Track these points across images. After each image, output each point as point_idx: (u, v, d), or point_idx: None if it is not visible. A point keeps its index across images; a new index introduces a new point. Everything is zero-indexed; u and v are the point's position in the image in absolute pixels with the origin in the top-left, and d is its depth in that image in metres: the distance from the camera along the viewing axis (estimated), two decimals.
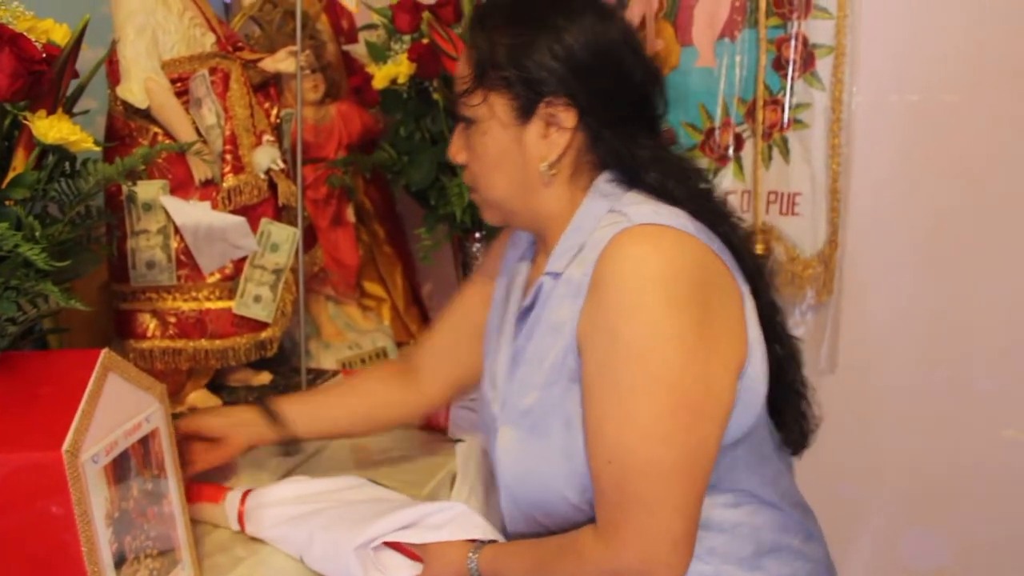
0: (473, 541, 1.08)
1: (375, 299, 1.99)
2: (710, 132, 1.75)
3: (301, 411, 1.24)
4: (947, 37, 1.71)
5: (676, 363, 0.89)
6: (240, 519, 1.18)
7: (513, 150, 1.00)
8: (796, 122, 1.75)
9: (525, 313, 1.06)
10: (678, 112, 1.73)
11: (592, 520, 0.96)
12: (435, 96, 1.60)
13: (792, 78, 1.72)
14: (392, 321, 1.98)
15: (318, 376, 1.51)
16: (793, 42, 1.71)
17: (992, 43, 1.69)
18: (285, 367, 1.55)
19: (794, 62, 1.71)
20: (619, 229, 0.92)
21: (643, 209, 0.95)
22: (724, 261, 0.96)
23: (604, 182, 1.01)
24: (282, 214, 1.45)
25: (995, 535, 1.96)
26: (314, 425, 1.26)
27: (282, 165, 1.42)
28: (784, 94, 1.73)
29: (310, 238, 1.62)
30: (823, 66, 1.72)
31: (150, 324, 1.38)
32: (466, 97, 1.00)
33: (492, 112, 0.99)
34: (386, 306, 1.99)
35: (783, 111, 1.74)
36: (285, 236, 1.42)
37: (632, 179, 1.00)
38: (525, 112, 0.98)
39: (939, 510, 1.95)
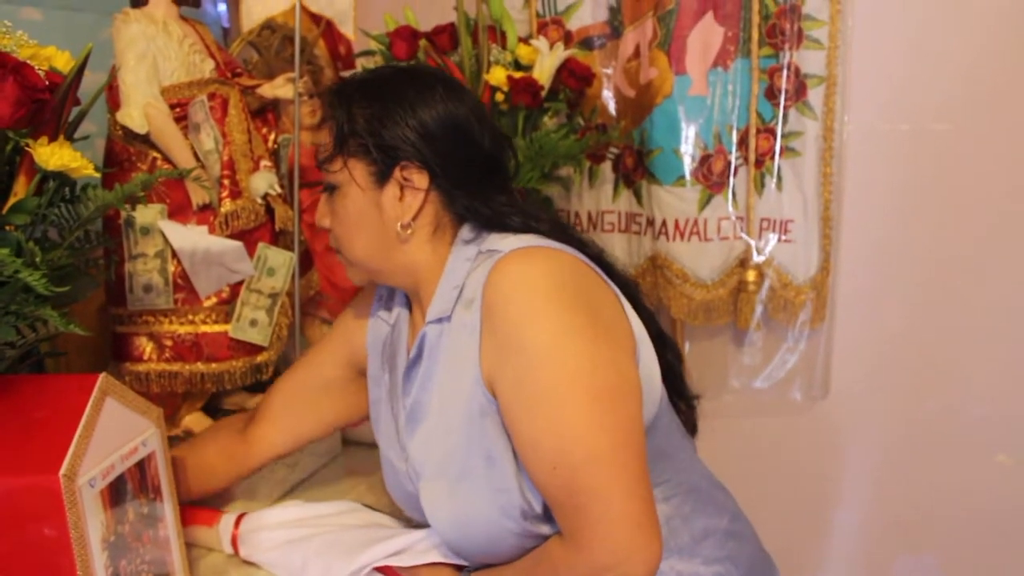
0: (461, 567, 1.10)
1: None
2: (704, 159, 1.77)
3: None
4: (937, 67, 1.74)
5: (585, 355, 0.93)
6: (234, 543, 1.19)
7: (371, 212, 1.07)
8: (788, 150, 1.78)
9: (412, 367, 1.10)
10: (671, 139, 1.75)
11: (541, 540, 1.01)
12: None
13: (784, 107, 1.74)
14: None
15: None
16: (785, 72, 1.73)
17: (981, 74, 1.72)
18: None
19: (786, 91, 1.74)
20: (493, 262, 0.98)
21: (508, 241, 1.02)
22: (593, 267, 1.03)
23: (466, 231, 1.08)
24: (279, 238, 1.46)
25: (987, 560, 1.97)
26: None
27: (279, 190, 1.44)
28: (777, 123, 1.76)
29: (306, 262, 1.63)
30: (815, 95, 1.75)
31: (147, 347, 1.38)
32: (328, 164, 1.08)
33: (351, 177, 1.06)
34: None
35: (775, 139, 1.77)
36: (282, 260, 1.43)
37: (491, 224, 1.07)
38: (382, 176, 1.05)
39: (931, 536, 1.96)
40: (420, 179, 1.04)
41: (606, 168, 1.88)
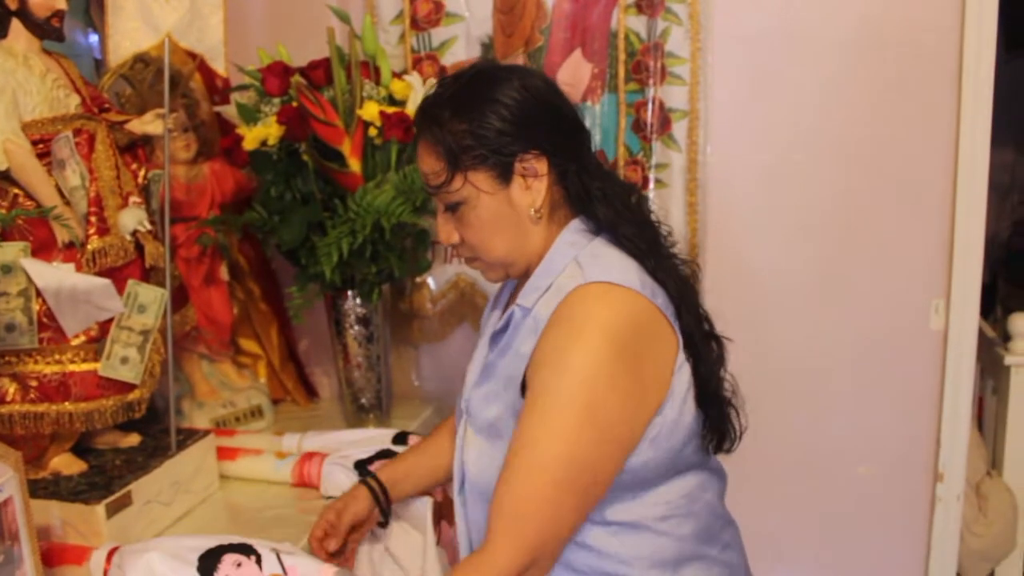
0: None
1: (251, 356, 1.98)
2: None
3: (390, 480, 1.35)
4: (791, 102, 1.84)
5: (608, 406, 1.03)
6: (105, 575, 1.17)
7: (505, 210, 1.13)
8: (657, 182, 1.85)
9: (499, 334, 1.17)
10: None
11: None
12: (304, 157, 1.63)
13: (651, 139, 1.82)
14: (268, 378, 1.98)
15: (188, 436, 1.49)
16: (650, 106, 1.81)
17: (830, 104, 1.83)
18: (155, 427, 1.53)
19: (651, 124, 1.82)
20: (576, 284, 1.07)
21: (599, 265, 1.09)
22: (663, 312, 1.09)
23: (574, 230, 1.15)
24: (150, 275, 1.44)
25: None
26: (400, 489, 1.37)
27: (149, 227, 1.42)
28: (644, 155, 1.83)
29: (181, 297, 1.62)
30: (679, 128, 1.84)
31: (9, 388, 1.35)
32: (447, 186, 1.12)
33: (477, 188, 1.11)
34: (262, 363, 1.99)
35: (643, 170, 1.84)
36: (153, 297, 1.41)
37: (595, 228, 1.15)
38: (505, 176, 1.11)
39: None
40: (539, 164, 1.11)
41: None
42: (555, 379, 1.03)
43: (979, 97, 1.83)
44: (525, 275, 1.18)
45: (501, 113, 1.09)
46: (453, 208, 1.13)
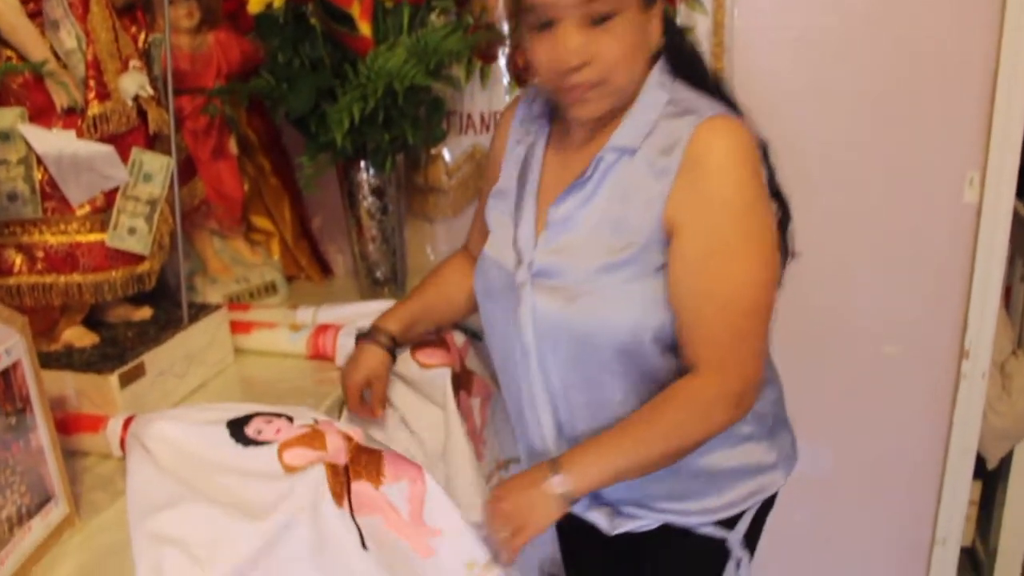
0: (546, 464, 1.13)
1: (263, 233, 1.95)
2: None
3: (403, 327, 1.39)
4: None
5: (766, 228, 1.10)
6: (123, 444, 1.15)
7: (640, 37, 1.11)
8: None
9: (583, 183, 1.15)
10: None
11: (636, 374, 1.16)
12: (312, 21, 1.55)
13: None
14: (282, 255, 1.95)
15: (201, 309, 1.47)
16: None
17: None
18: (167, 301, 1.51)
19: None
20: (698, 121, 1.09)
21: (704, 102, 1.12)
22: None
23: (658, 72, 1.15)
24: (154, 143, 1.39)
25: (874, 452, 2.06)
26: (412, 334, 1.42)
27: (151, 91, 1.36)
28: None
29: (189, 170, 1.57)
30: None
31: (16, 259, 1.32)
32: None
33: (629, 2, 1.08)
34: (275, 240, 1.95)
35: None
36: (159, 166, 1.37)
37: (678, 69, 1.17)
38: (650, 1, 1.11)
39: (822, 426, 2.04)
40: (660, 5, 1.12)
41: (498, 68, 1.84)
42: (720, 216, 1.08)
43: None
44: (601, 120, 1.16)
45: None
46: (602, 19, 1.07)
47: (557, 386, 1.21)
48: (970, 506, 2.28)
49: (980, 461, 2.22)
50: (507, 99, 1.83)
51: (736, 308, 1.09)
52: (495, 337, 1.30)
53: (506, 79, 1.84)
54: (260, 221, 1.93)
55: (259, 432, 1.08)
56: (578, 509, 1.26)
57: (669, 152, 1.09)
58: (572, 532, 1.37)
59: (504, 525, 1.10)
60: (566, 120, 1.22)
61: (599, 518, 1.30)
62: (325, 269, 2.02)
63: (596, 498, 1.29)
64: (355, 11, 1.54)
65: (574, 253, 1.15)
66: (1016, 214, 1.92)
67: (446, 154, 1.91)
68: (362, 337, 1.39)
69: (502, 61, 1.83)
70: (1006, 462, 2.37)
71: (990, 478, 2.43)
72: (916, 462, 2.08)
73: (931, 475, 2.10)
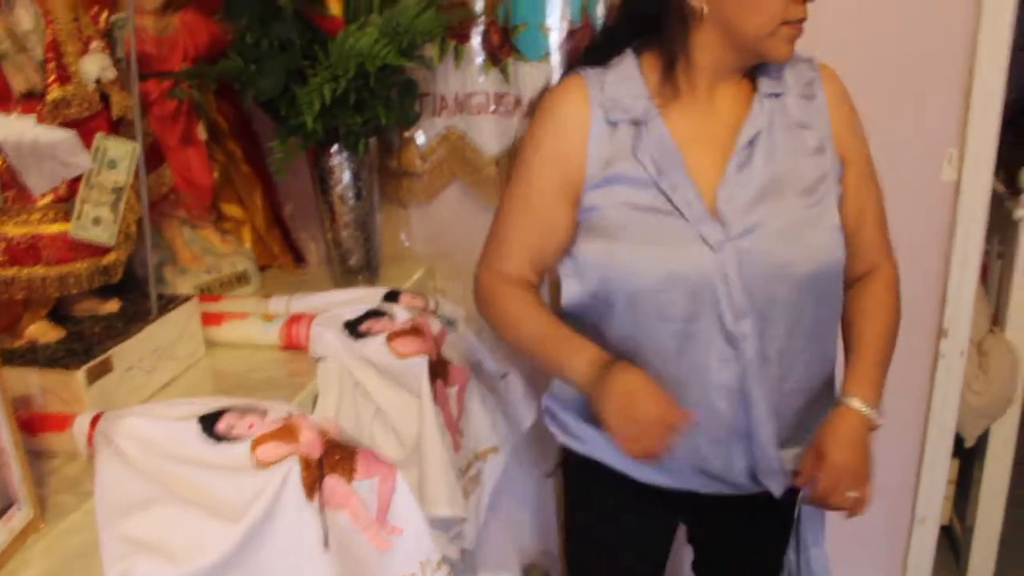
0: (845, 408, 1.29)
1: (234, 221, 1.90)
2: (571, 34, 1.71)
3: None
4: None
5: None
6: (90, 442, 1.12)
7: None
8: None
9: (756, 138, 1.23)
10: (536, 14, 1.69)
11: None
12: (281, 1, 1.50)
13: None
14: (254, 244, 1.90)
15: (170, 301, 1.42)
16: None
17: None
18: (135, 293, 1.46)
19: None
20: (815, 64, 1.31)
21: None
22: None
23: None
24: (119, 129, 1.34)
25: None
26: None
27: (114, 75, 1.32)
28: None
29: (155, 157, 1.52)
30: None
31: None
32: None
33: None
34: (246, 228, 1.90)
35: None
36: (123, 152, 1.32)
37: None
38: None
39: None
40: None
41: (472, 47, 1.80)
42: (864, 143, 1.33)
43: None
44: (741, 71, 1.26)
45: None
46: None
47: (755, 357, 1.21)
48: (948, 485, 2.29)
49: (958, 440, 2.23)
50: (481, 80, 1.78)
51: (882, 210, 1.35)
52: (670, 357, 1.23)
53: (480, 59, 1.80)
54: (231, 209, 1.88)
55: (231, 428, 1.05)
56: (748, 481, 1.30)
57: (810, 94, 1.27)
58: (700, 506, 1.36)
59: (853, 481, 1.26)
60: (692, 85, 1.24)
61: (772, 480, 1.29)
62: (298, 257, 1.98)
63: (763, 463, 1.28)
64: None
65: (776, 195, 1.22)
66: (993, 191, 1.92)
67: (419, 137, 1.86)
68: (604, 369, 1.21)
69: (476, 41, 1.79)
70: (983, 440, 2.38)
71: (967, 456, 2.45)
72: (895, 441, 2.08)
73: (910, 454, 2.10)
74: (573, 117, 1.25)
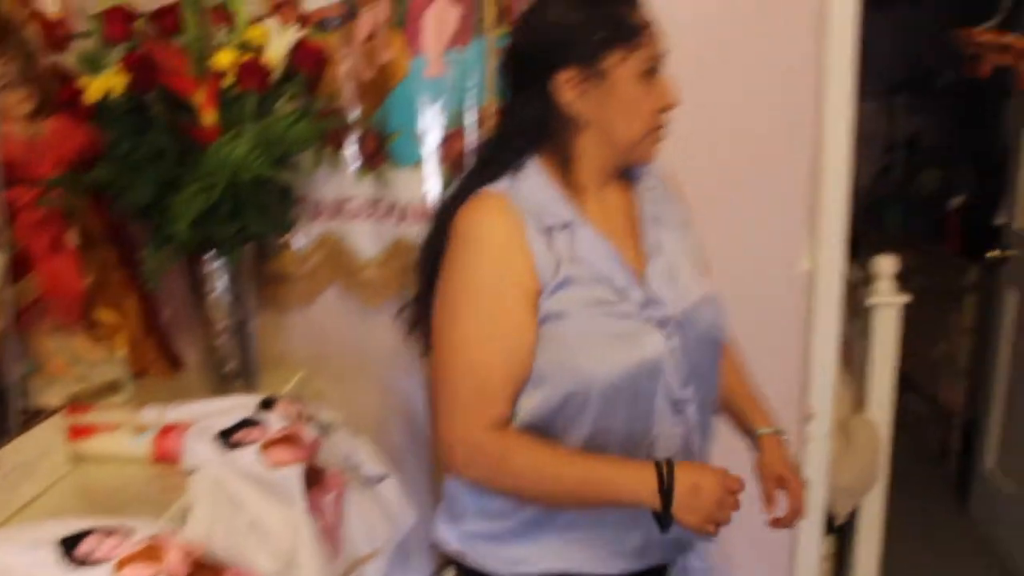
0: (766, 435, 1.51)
1: (109, 327, 1.85)
2: (447, 139, 1.77)
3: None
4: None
5: None
6: None
7: None
8: None
9: (655, 220, 1.37)
10: (409, 122, 1.74)
11: None
12: (154, 110, 1.51)
13: None
14: (130, 349, 1.86)
15: (35, 416, 1.38)
16: None
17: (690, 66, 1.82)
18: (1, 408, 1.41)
19: None
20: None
21: None
22: None
23: None
24: None
25: None
26: None
27: None
28: None
29: (22, 265, 1.49)
30: None
31: None
32: None
33: None
34: (122, 334, 1.86)
35: None
36: None
37: None
38: None
39: None
40: None
41: (348, 154, 1.84)
42: None
43: (843, 49, 1.87)
44: (612, 176, 1.36)
45: None
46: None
47: (695, 414, 1.33)
48: (825, 561, 2.36)
49: (830, 517, 2.31)
50: (357, 186, 1.82)
51: None
52: (636, 434, 1.30)
53: (356, 165, 1.83)
54: (106, 315, 1.83)
55: (92, 551, 1.02)
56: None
57: (663, 182, 1.43)
58: None
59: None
60: (589, 181, 1.32)
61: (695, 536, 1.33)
62: (176, 363, 1.94)
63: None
64: (199, 98, 1.51)
65: (686, 268, 1.36)
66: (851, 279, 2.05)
67: (297, 242, 1.88)
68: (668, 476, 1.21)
69: (352, 148, 1.83)
70: (853, 516, 2.48)
71: (842, 532, 2.53)
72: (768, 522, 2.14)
73: (784, 534, 2.16)
74: (511, 235, 1.23)
